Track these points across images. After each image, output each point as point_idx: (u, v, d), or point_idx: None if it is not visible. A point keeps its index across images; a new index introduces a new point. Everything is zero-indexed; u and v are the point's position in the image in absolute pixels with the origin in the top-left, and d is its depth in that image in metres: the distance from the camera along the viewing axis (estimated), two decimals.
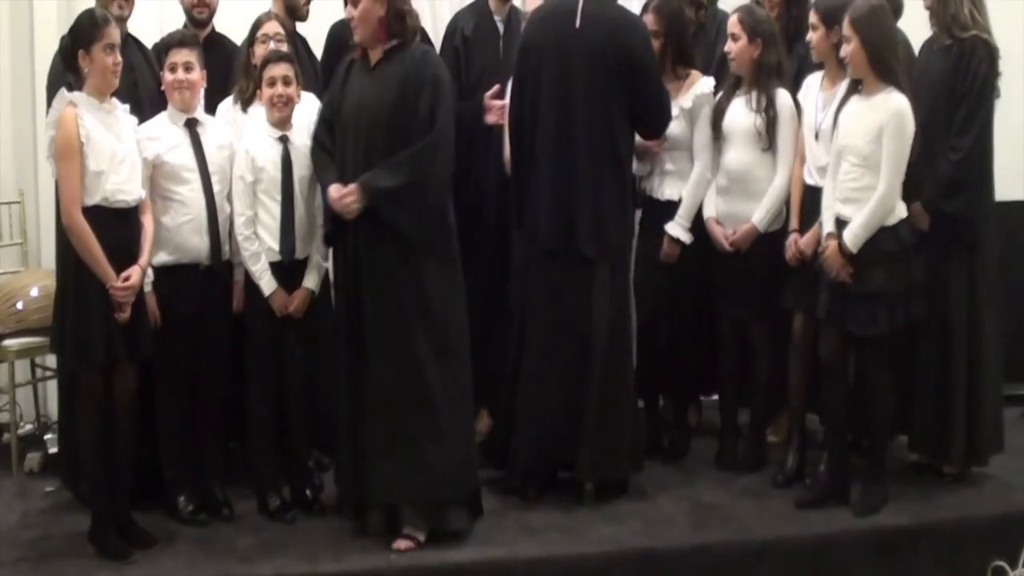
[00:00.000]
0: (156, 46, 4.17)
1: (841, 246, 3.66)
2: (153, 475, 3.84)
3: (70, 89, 3.50)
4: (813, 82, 4.03)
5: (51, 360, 4.51)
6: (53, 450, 4.38)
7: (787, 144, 4.05)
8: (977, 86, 3.88)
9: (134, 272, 3.47)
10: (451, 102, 3.62)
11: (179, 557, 3.56)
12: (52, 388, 4.65)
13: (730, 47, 4.09)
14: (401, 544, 3.57)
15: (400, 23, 3.58)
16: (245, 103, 4.07)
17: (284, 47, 4.05)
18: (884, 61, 3.65)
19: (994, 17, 3.97)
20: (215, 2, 4.46)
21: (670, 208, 4.19)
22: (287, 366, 3.85)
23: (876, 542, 3.72)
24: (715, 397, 4.55)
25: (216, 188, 3.76)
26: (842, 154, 3.74)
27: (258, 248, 3.78)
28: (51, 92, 3.78)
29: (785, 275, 4.04)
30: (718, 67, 4.32)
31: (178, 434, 3.81)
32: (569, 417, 3.89)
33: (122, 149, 3.52)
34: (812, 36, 3.94)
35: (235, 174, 3.81)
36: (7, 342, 4.36)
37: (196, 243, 3.72)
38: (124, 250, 3.48)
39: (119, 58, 3.50)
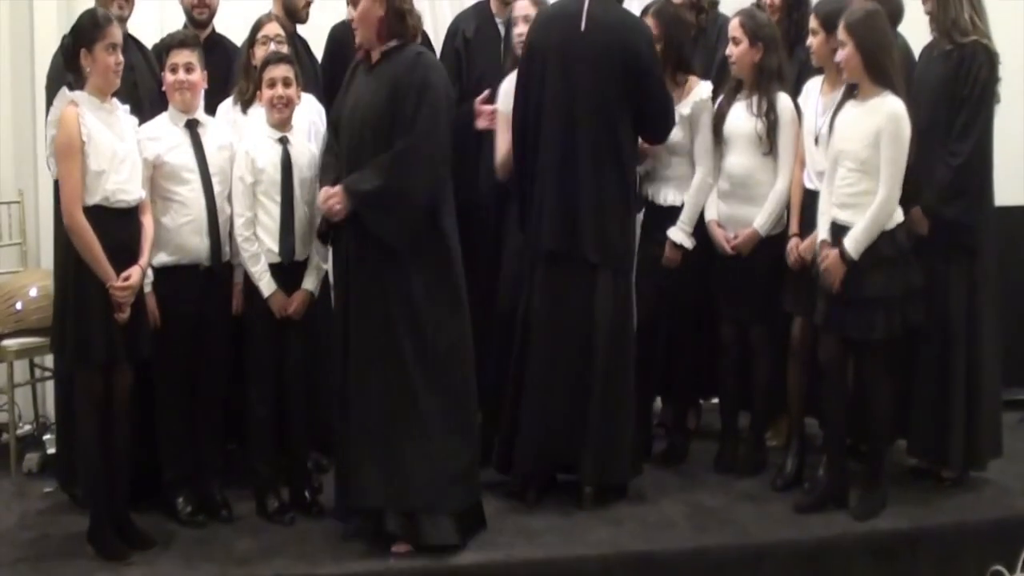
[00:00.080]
0: (157, 46, 4.17)
1: (843, 253, 3.66)
2: (151, 476, 3.83)
3: (71, 89, 3.50)
4: (813, 87, 4.04)
5: (50, 360, 4.51)
6: (52, 450, 4.38)
7: (788, 148, 4.05)
8: (977, 91, 3.89)
9: (134, 272, 3.47)
10: (443, 104, 3.55)
11: (177, 558, 3.55)
12: (51, 388, 4.63)
13: (731, 51, 4.10)
14: (400, 547, 3.55)
15: (401, 23, 3.56)
16: (245, 104, 4.07)
17: (284, 49, 4.06)
18: (879, 65, 3.65)
19: (994, 22, 3.97)
20: (215, 3, 4.46)
21: (671, 213, 4.19)
22: (286, 368, 3.85)
23: (875, 546, 3.72)
24: (714, 401, 4.56)
25: (216, 189, 3.76)
26: (838, 159, 3.74)
27: (257, 249, 3.78)
28: (51, 91, 3.78)
29: (785, 278, 4.04)
30: (719, 71, 4.32)
31: (177, 435, 3.81)
32: (570, 420, 3.89)
33: (123, 149, 3.52)
34: (812, 41, 3.95)
35: (235, 175, 3.81)
36: (6, 342, 4.36)
37: (196, 244, 3.72)
38: (124, 250, 3.48)
39: (121, 58, 3.50)
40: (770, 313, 4.11)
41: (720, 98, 4.19)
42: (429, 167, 3.51)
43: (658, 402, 4.68)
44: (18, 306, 4.38)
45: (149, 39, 4.29)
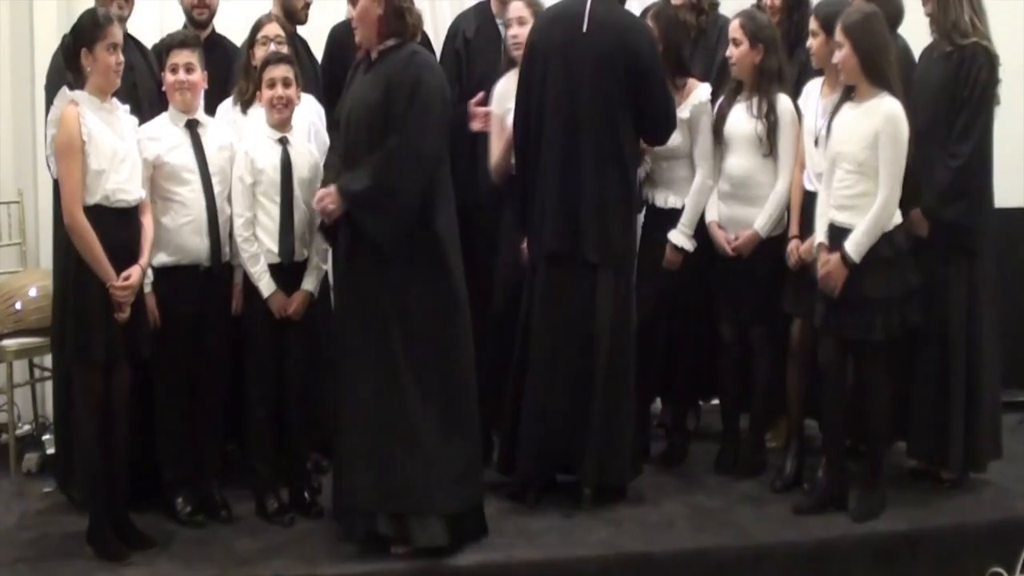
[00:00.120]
0: (157, 47, 4.17)
1: (844, 257, 3.66)
2: (151, 476, 3.83)
3: (70, 88, 3.50)
4: (813, 88, 4.04)
5: (49, 360, 4.50)
6: (51, 451, 4.38)
7: (788, 149, 4.06)
8: (977, 93, 3.88)
9: (134, 272, 3.47)
10: (435, 103, 3.50)
11: (176, 559, 3.55)
12: (50, 388, 4.62)
13: (731, 52, 4.10)
14: (399, 549, 3.55)
15: (400, 21, 3.54)
16: (245, 105, 4.07)
17: (284, 49, 4.05)
18: (876, 67, 3.64)
19: (994, 24, 3.98)
20: (215, 3, 4.46)
21: (671, 216, 4.20)
22: (286, 368, 3.85)
23: (874, 548, 3.72)
24: (714, 402, 4.55)
25: (217, 189, 3.76)
26: (836, 161, 3.73)
27: (257, 250, 3.78)
28: (50, 91, 3.78)
29: (785, 280, 4.04)
30: (719, 72, 4.32)
31: (177, 435, 3.80)
32: (571, 421, 3.88)
33: (123, 148, 3.51)
34: (812, 42, 3.95)
35: (234, 175, 3.81)
36: (5, 342, 4.36)
37: (196, 244, 3.72)
38: (124, 250, 3.48)
39: (122, 58, 3.50)
40: (770, 314, 4.11)
41: (720, 99, 4.19)
42: (419, 166, 3.47)
43: (657, 403, 4.69)
44: (17, 306, 4.38)
45: (149, 39, 4.29)
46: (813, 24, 3.94)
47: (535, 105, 3.90)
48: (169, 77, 3.76)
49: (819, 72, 4.01)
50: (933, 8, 3.96)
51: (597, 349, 3.85)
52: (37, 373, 4.75)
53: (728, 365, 4.29)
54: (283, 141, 3.83)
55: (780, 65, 4.09)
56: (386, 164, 3.45)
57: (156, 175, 3.70)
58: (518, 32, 4.14)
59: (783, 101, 4.06)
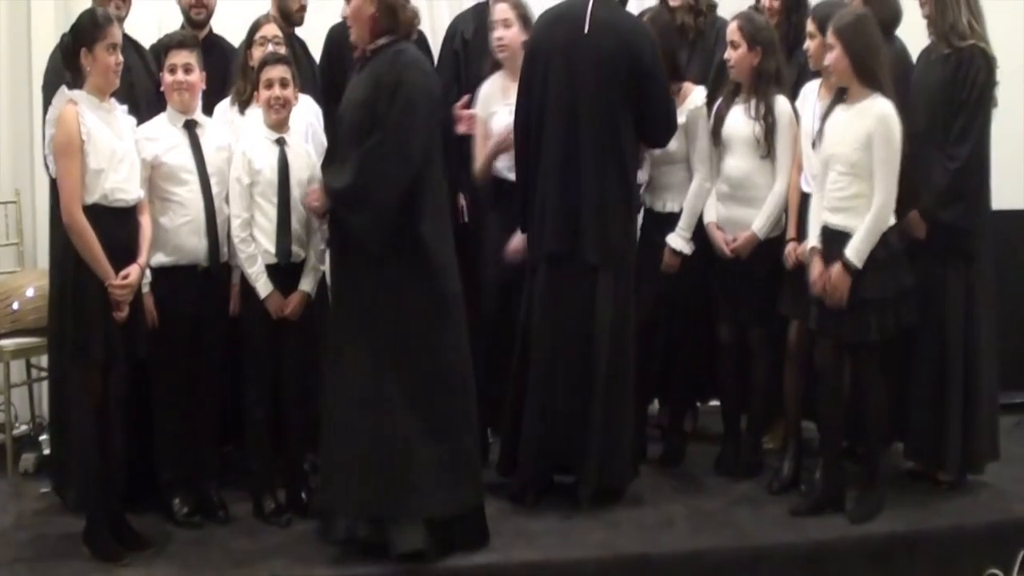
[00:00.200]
0: (154, 47, 4.17)
1: (847, 264, 3.64)
2: (148, 477, 3.82)
3: (69, 88, 3.49)
4: (811, 90, 4.04)
5: (46, 361, 4.49)
6: (48, 451, 4.36)
7: (786, 151, 4.06)
8: (975, 95, 3.88)
9: (133, 271, 3.47)
10: (418, 101, 3.44)
11: (173, 560, 3.55)
12: (47, 389, 4.63)
13: (729, 54, 4.10)
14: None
15: (392, 18, 3.51)
16: (242, 105, 4.08)
17: (282, 49, 4.05)
18: (867, 68, 3.64)
19: (992, 26, 3.98)
20: (212, 3, 4.46)
21: (669, 219, 4.20)
22: (283, 369, 3.84)
23: (871, 549, 3.72)
24: (712, 403, 4.55)
25: (215, 190, 3.76)
26: (829, 163, 3.73)
27: (254, 250, 3.78)
28: (48, 90, 3.78)
29: (783, 282, 4.04)
30: (717, 74, 4.32)
31: (174, 436, 3.80)
32: (571, 422, 3.88)
33: (122, 148, 3.51)
34: (809, 44, 3.95)
35: (232, 176, 3.81)
36: (2, 342, 4.36)
37: (194, 244, 3.72)
38: (122, 249, 3.48)
39: (121, 58, 3.50)
40: (768, 315, 4.11)
41: (719, 101, 4.19)
42: (399, 164, 3.43)
43: (655, 404, 4.69)
44: (15, 306, 4.38)
45: (147, 39, 4.29)
46: (810, 26, 3.94)
47: (536, 106, 3.90)
48: (167, 77, 3.76)
49: (817, 74, 4.01)
50: (931, 10, 3.97)
51: (597, 350, 3.85)
52: (34, 373, 4.75)
53: (728, 366, 4.29)
54: (280, 142, 3.82)
55: (778, 67, 4.09)
56: (367, 161, 3.43)
57: (154, 175, 3.70)
58: (503, 34, 4.15)
59: (781, 103, 4.07)
